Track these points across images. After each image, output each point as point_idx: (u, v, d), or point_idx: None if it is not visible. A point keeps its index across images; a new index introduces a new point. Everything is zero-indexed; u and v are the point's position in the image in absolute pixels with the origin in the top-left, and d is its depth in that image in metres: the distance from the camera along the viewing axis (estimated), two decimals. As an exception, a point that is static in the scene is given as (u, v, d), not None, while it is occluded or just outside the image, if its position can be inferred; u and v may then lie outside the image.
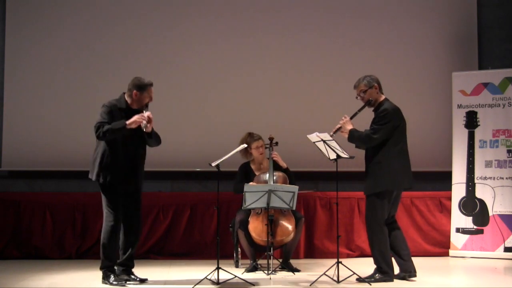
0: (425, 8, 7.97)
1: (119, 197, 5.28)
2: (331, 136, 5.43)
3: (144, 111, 5.26)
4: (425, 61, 7.90)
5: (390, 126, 5.31)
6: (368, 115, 5.54)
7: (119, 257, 5.39)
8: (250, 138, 6.33)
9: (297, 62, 7.75)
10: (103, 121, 5.18)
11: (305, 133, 5.64)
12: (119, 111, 5.26)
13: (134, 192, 5.37)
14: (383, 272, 5.32)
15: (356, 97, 5.52)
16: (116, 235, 5.27)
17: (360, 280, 5.35)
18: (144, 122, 5.15)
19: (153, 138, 5.38)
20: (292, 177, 6.27)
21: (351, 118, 5.45)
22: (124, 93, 5.37)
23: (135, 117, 5.17)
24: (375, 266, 5.41)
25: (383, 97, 5.48)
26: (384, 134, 5.30)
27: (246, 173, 6.37)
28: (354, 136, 5.40)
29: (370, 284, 5.25)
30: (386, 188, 5.31)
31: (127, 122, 5.16)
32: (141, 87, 5.29)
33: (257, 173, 6.32)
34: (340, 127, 5.46)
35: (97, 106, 5.34)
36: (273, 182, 6.08)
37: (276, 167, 6.27)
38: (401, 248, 5.44)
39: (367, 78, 5.46)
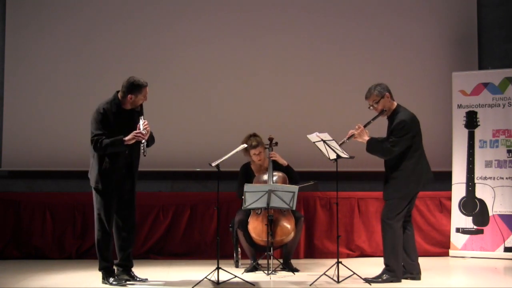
0: (425, 8, 7.96)
1: (113, 202, 5.26)
2: (344, 142, 5.42)
3: (140, 119, 5.19)
4: (425, 61, 7.89)
5: (409, 137, 5.32)
6: (382, 121, 5.55)
7: (117, 257, 5.40)
8: (249, 143, 6.25)
9: (297, 62, 7.74)
10: (99, 133, 5.13)
11: (305, 133, 5.64)
12: (113, 114, 5.21)
13: (129, 193, 5.36)
14: (391, 271, 5.30)
15: (369, 107, 5.50)
16: (109, 236, 5.27)
17: (367, 280, 5.32)
18: (144, 141, 5.12)
19: (150, 144, 5.36)
20: (294, 173, 6.26)
21: (364, 127, 5.43)
22: (117, 92, 5.30)
23: (133, 134, 5.13)
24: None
25: (395, 104, 5.47)
26: (403, 145, 5.30)
27: (246, 174, 6.37)
28: (373, 148, 5.38)
29: (370, 284, 5.25)
30: (410, 193, 5.33)
31: (125, 139, 5.13)
32: (136, 89, 5.20)
33: (257, 174, 6.32)
34: (353, 135, 5.43)
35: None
36: (273, 182, 6.08)
37: (276, 166, 6.27)
38: (411, 249, 5.44)
39: (378, 88, 5.42)
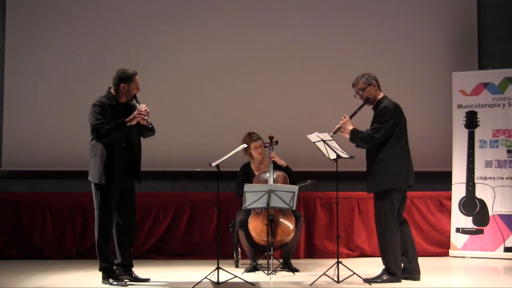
0: (425, 8, 7.96)
1: (114, 199, 5.26)
2: (331, 136, 5.42)
3: (138, 104, 5.22)
4: (425, 61, 7.90)
5: (390, 123, 5.28)
6: (368, 113, 5.52)
7: (117, 257, 5.40)
8: (249, 138, 6.34)
9: (297, 61, 7.75)
10: (99, 122, 5.14)
11: (305, 133, 5.64)
12: (110, 108, 5.22)
13: (130, 193, 5.36)
14: (392, 274, 5.30)
15: (355, 95, 5.50)
16: (110, 237, 5.27)
17: (367, 281, 5.32)
18: (146, 117, 5.14)
19: (151, 130, 5.35)
20: (293, 174, 6.27)
21: (350, 117, 5.42)
22: (110, 88, 5.32)
23: (134, 114, 5.15)
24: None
25: (381, 95, 5.47)
26: (385, 132, 5.27)
27: (246, 174, 6.38)
28: (356, 137, 5.37)
29: (370, 284, 5.25)
30: (391, 187, 5.27)
31: (127, 119, 5.14)
32: (127, 78, 5.23)
33: (256, 173, 6.32)
34: (340, 127, 5.43)
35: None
36: (273, 182, 6.08)
37: (276, 166, 6.28)
38: (410, 250, 5.43)
39: (365, 76, 5.44)
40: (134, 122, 5.15)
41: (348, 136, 5.44)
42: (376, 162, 5.32)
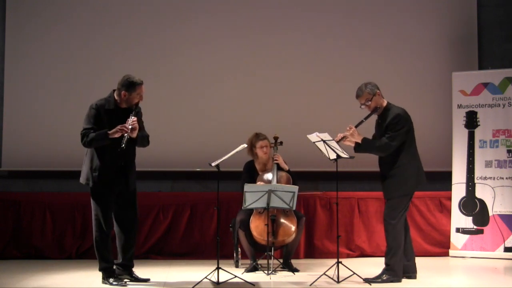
0: (425, 8, 7.96)
1: (109, 202, 5.24)
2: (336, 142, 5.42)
3: (130, 116, 5.16)
4: (425, 61, 7.90)
5: (405, 131, 5.33)
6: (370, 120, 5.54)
7: (117, 257, 5.40)
8: (255, 137, 6.33)
9: (298, 62, 7.74)
10: (88, 127, 5.14)
11: (306, 133, 5.64)
12: (106, 112, 5.20)
13: (127, 192, 5.33)
14: (392, 270, 5.31)
15: (360, 107, 5.47)
16: (108, 237, 5.26)
17: (367, 281, 5.33)
18: (126, 135, 5.07)
19: (138, 144, 5.31)
20: (295, 179, 6.26)
21: (356, 127, 5.39)
22: (114, 90, 5.30)
23: (118, 128, 5.11)
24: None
25: (385, 101, 5.48)
26: (401, 140, 5.32)
27: (249, 172, 6.36)
28: (371, 146, 5.37)
29: (370, 284, 5.25)
30: (413, 190, 5.38)
31: (110, 132, 5.11)
32: (130, 86, 5.19)
33: (260, 173, 6.31)
34: (344, 137, 5.38)
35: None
36: (277, 182, 6.08)
37: (280, 168, 6.27)
38: (408, 249, 5.46)
39: (369, 86, 5.42)
40: (116, 135, 5.11)
41: (351, 144, 5.42)
42: (394, 168, 5.35)
